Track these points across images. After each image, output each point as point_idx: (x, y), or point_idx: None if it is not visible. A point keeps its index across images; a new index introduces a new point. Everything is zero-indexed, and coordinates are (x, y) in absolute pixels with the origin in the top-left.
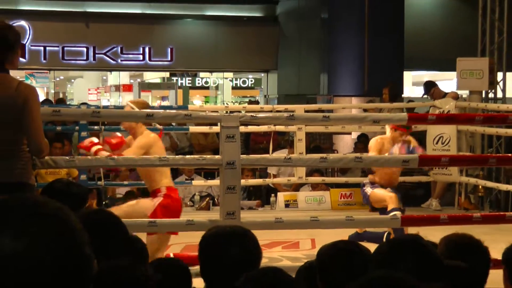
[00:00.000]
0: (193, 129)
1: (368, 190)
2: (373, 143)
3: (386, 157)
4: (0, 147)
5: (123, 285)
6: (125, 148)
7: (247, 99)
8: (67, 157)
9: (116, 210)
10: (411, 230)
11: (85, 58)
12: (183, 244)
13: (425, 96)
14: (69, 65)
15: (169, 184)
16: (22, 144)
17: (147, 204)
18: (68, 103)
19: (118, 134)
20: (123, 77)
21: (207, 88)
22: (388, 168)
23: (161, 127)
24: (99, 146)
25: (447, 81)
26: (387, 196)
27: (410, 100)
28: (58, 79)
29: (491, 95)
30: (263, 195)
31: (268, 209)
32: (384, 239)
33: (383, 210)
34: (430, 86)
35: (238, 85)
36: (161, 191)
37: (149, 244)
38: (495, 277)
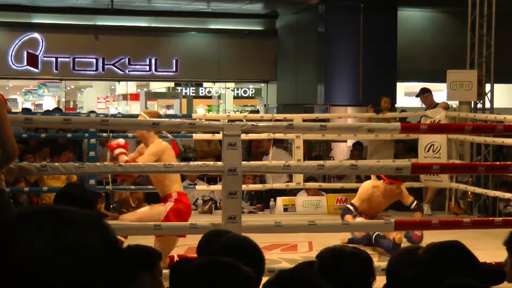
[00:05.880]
0: (196, 136)
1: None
2: (363, 190)
3: (379, 165)
4: None
5: None
6: (137, 155)
7: (248, 108)
8: (77, 164)
9: (131, 216)
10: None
11: (94, 68)
12: (186, 246)
13: (417, 97)
14: (79, 75)
15: (179, 190)
16: None
17: (160, 209)
18: (78, 111)
19: (122, 140)
20: (131, 87)
21: (210, 97)
22: (372, 206)
23: (171, 136)
24: (122, 150)
25: (437, 92)
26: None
27: (403, 110)
28: (68, 88)
29: (479, 105)
30: (264, 200)
31: (267, 213)
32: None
33: None
34: (425, 91)
35: (240, 94)
36: (172, 196)
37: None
38: None
